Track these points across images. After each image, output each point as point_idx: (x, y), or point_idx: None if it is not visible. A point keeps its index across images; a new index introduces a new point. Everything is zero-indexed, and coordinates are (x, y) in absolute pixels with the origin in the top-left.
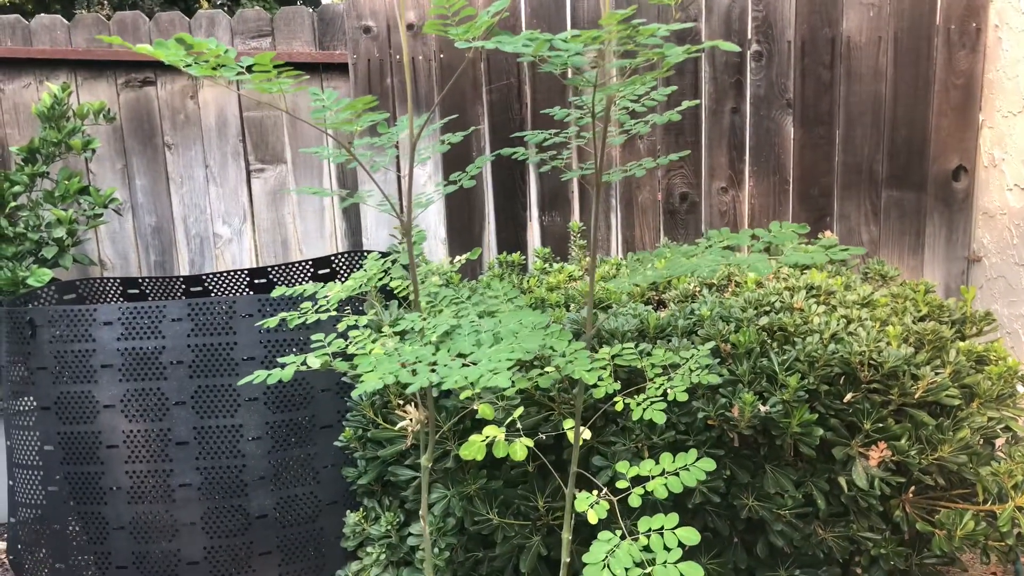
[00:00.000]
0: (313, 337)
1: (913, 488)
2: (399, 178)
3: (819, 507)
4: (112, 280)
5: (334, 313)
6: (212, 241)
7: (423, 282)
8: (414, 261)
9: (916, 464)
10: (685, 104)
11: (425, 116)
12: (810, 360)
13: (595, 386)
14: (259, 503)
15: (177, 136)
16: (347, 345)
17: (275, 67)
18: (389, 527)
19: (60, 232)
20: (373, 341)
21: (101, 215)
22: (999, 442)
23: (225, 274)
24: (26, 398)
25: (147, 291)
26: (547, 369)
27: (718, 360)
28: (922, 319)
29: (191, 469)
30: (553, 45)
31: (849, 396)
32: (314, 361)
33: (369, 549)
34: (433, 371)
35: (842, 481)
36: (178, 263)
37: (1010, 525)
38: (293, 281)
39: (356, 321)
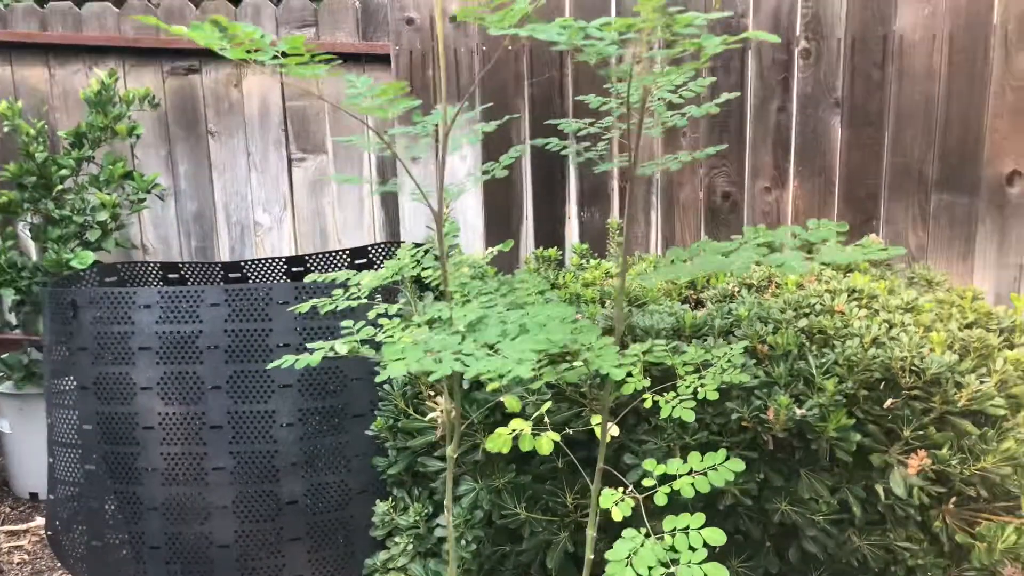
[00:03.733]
0: (343, 324)
1: (954, 499)
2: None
3: (855, 514)
4: (152, 264)
5: (365, 301)
6: (252, 229)
7: (454, 273)
8: (444, 250)
9: (958, 474)
10: (724, 96)
11: (458, 107)
12: (849, 364)
13: (624, 382)
14: (290, 489)
15: (220, 124)
16: (376, 333)
17: (310, 53)
18: (417, 518)
19: (104, 216)
20: (403, 329)
21: (144, 200)
22: None
23: (263, 261)
24: (67, 378)
25: (186, 276)
26: (575, 364)
27: (754, 361)
28: (968, 326)
29: (224, 453)
30: (588, 33)
31: (889, 402)
32: (342, 347)
33: (397, 539)
34: (458, 360)
35: (879, 489)
36: (218, 249)
37: None
38: (330, 270)
39: (387, 309)
